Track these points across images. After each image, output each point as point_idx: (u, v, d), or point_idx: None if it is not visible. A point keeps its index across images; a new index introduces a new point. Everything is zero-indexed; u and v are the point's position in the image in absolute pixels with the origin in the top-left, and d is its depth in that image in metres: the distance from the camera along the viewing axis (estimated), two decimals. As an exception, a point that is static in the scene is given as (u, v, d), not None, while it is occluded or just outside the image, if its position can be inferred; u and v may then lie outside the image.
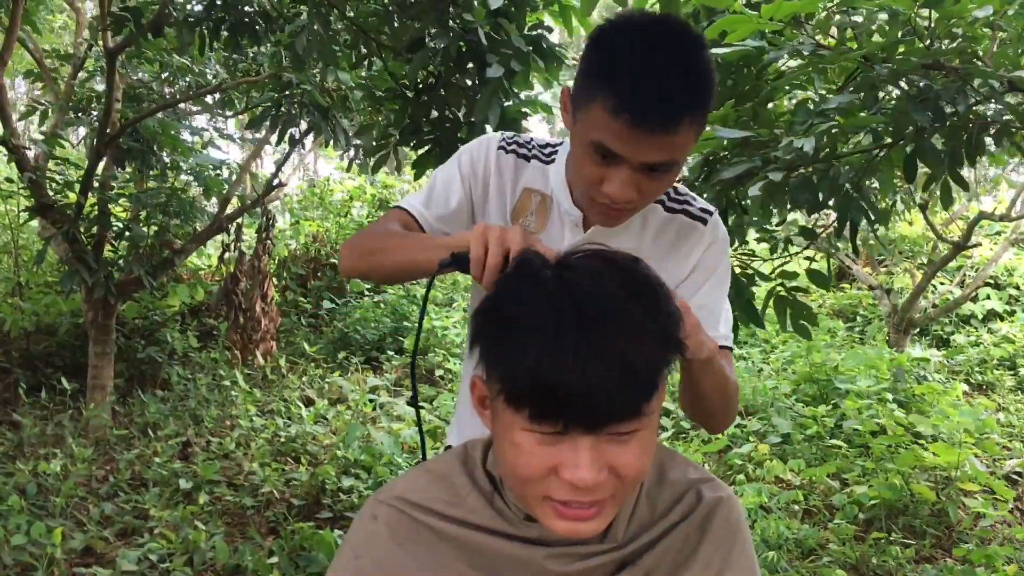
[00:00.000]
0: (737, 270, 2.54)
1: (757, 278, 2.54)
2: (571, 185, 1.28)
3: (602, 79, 1.05)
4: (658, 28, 1.06)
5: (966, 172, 2.34)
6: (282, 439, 4.52)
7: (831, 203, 2.28)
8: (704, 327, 1.19)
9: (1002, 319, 8.25)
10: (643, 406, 0.79)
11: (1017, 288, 8.73)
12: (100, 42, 4.56)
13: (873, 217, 2.30)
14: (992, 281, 8.61)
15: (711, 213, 1.32)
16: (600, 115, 1.05)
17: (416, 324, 7.10)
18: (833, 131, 2.05)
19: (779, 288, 2.54)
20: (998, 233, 8.99)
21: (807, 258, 2.83)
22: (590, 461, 0.79)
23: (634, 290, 0.81)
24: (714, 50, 2.25)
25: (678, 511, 0.97)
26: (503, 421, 0.84)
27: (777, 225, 2.74)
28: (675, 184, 1.34)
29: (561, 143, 1.34)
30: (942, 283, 8.49)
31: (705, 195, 2.32)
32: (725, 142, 2.21)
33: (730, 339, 1.34)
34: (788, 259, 2.64)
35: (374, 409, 5.17)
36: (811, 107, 2.16)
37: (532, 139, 1.36)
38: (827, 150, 2.15)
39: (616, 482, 0.82)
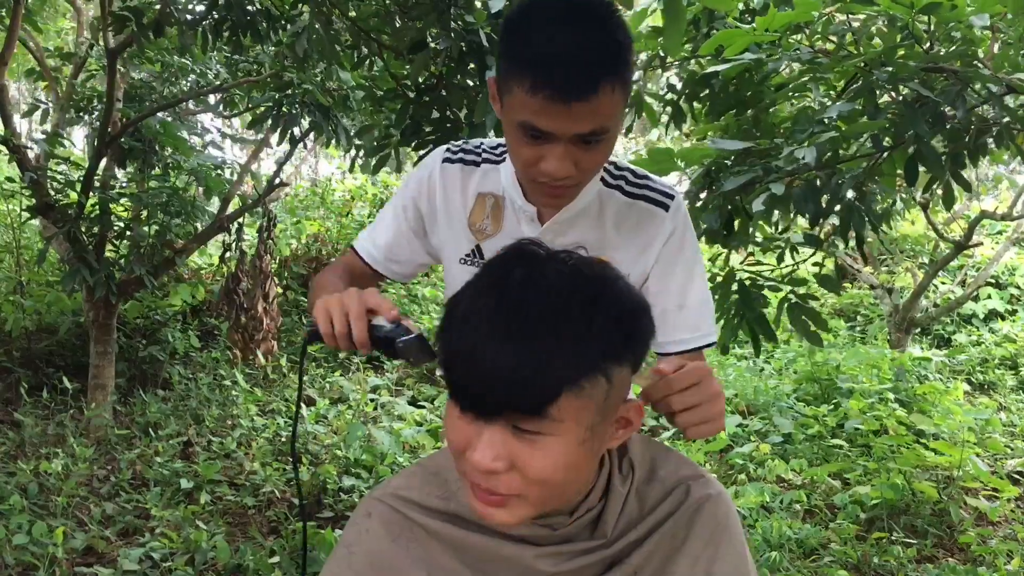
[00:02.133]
0: (747, 283, 2.53)
1: (767, 289, 2.54)
2: (518, 177, 1.28)
3: (516, 60, 1.07)
4: (562, 2, 1.07)
5: (967, 171, 2.33)
6: (283, 439, 4.52)
7: (835, 210, 2.27)
8: (692, 333, 1.26)
9: (1003, 318, 8.25)
10: (545, 407, 0.79)
11: (1018, 287, 8.73)
12: (101, 42, 4.55)
13: (875, 222, 2.29)
14: (993, 280, 8.61)
15: (672, 196, 1.30)
16: (521, 96, 1.07)
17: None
18: (834, 138, 2.05)
19: (791, 296, 2.53)
20: (999, 232, 8.99)
21: (815, 264, 2.83)
22: (487, 446, 0.81)
23: (581, 299, 0.80)
24: (713, 68, 2.25)
25: (666, 507, 0.96)
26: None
27: (780, 233, 2.73)
28: (633, 167, 1.33)
29: None
30: (943, 282, 8.48)
31: (710, 204, 2.32)
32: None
33: (712, 335, 1.32)
34: (796, 267, 2.64)
35: (375, 409, 5.17)
36: (811, 115, 2.15)
37: (482, 143, 1.37)
38: (828, 155, 2.14)
39: (522, 482, 0.82)
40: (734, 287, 2.49)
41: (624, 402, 0.88)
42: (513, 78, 1.07)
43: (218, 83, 5.11)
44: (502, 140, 1.33)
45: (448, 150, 1.36)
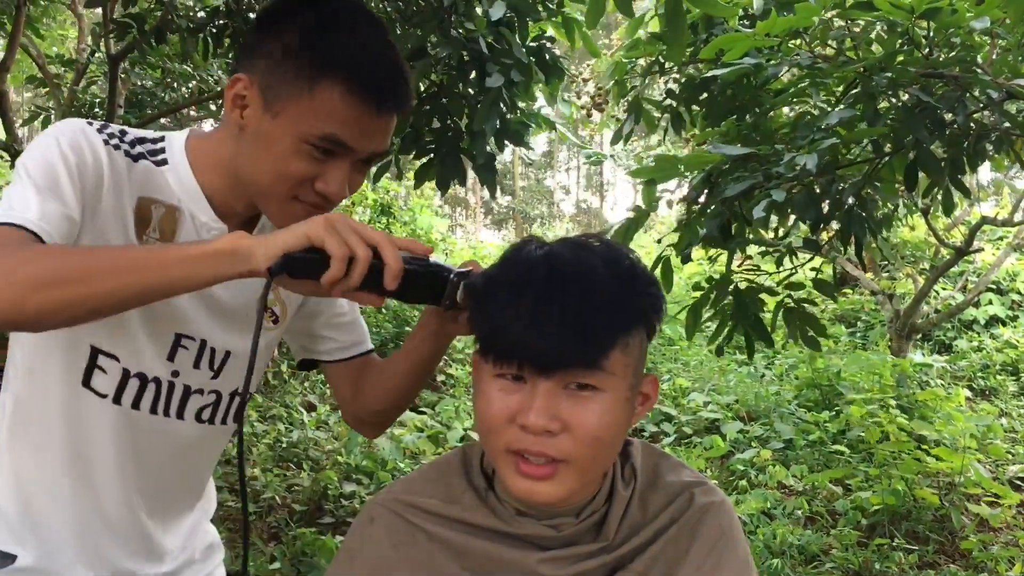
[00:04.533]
0: (743, 285, 2.54)
1: (764, 294, 2.54)
2: (211, 193, 1.06)
3: (325, 60, 0.95)
4: (341, 3, 0.99)
5: (968, 177, 2.34)
6: (284, 445, 4.52)
7: (836, 215, 2.27)
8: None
9: (1004, 324, 8.24)
10: (599, 360, 0.83)
11: (1019, 293, 8.73)
12: (103, 48, 4.57)
13: (875, 228, 2.29)
14: (994, 286, 8.61)
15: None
16: (329, 102, 0.94)
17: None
18: (834, 144, 2.05)
19: (787, 300, 2.53)
20: (1000, 238, 8.99)
21: (812, 269, 2.85)
22: (543, 406, 0.83)
23: (613, 267, 0.87)
24: (712, 72, 2.26)
25: (669, 514, 0.96)
26: (479, 373, 0.90)
27: (780, 238, 2.74)
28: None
29: (162, 138, 1.08)
30: (944, 288, 8.48)
31: (710, 208, 2.32)
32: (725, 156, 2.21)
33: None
34: (794, 271, 2.64)
35: (376, 414, 5.17)
36: (811, 121, 2.16)
37: (126, 131, 1.07)
38: (827, 159, 2.15)
39: (571, 443, 0.85)
40: (730, 288, 2.49)
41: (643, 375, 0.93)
42: (317, 80, 0.94)
43: (219, 89, 5.12)
44: (146, 134, 1.08)
45: (99, 129, 1.02)
